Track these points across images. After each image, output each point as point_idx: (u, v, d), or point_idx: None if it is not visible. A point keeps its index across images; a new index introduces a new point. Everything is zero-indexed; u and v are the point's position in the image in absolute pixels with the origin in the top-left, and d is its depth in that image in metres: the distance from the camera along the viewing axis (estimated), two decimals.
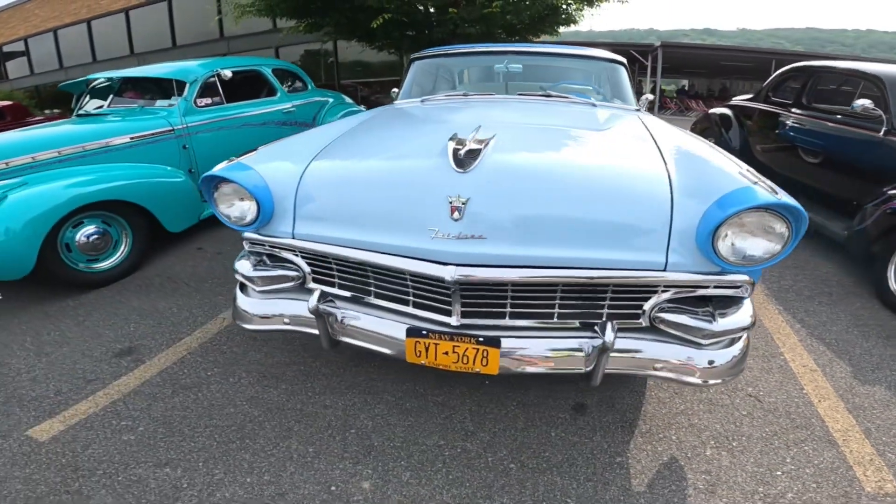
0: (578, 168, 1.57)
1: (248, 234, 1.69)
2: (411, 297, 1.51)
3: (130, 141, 3.29)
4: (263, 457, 1.66)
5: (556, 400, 1.91)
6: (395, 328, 1.49)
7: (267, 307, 1.71)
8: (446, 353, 1.43)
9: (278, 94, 4.65)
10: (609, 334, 1.35)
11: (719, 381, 1.47)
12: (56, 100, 14.00)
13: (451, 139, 1.55)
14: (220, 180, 1.63)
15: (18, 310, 2.69)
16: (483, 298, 1.44)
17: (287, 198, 1.61)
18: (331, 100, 5.60)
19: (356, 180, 1.62)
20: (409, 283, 1.49)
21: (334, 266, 1.61)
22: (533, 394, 1.95)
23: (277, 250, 1.67)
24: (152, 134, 3.41)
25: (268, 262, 1.73)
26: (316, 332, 1.60)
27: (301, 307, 1.63)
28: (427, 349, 1.45)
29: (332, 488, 1.52)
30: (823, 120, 3.68)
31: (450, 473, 1.59)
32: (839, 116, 3.52)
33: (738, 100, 5.79)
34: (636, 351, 1.44)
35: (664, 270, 1.36)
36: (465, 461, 1.64)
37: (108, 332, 2.47)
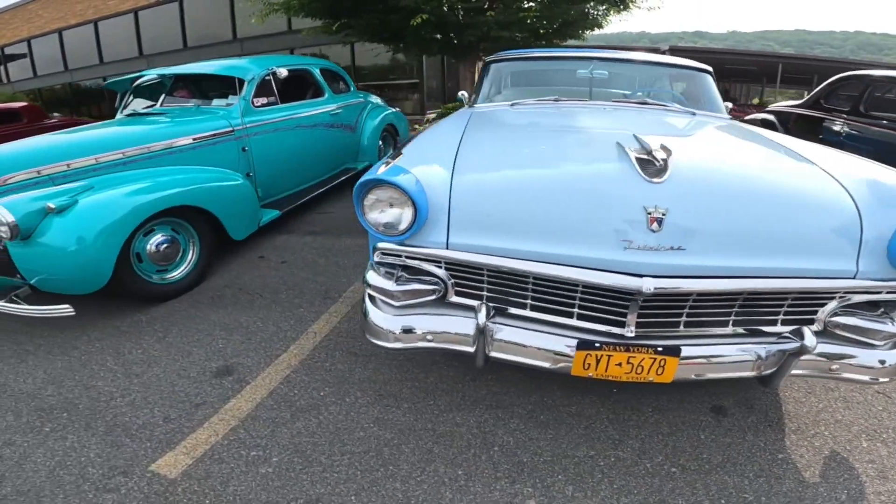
0: (759, 179, 1.57)
1: (383, 245, 1.55)
2: (576, 310, 1.45)
3: (193, 142, 3.10)
4: (414, 484, 1.52)
5: (692, 404, 1.88)
6: (558, 341, 1.43)
7: (407, 323, 1.56)
8: (619, 364, 1.40)
9: (326, 95, 4.47)
10: (810, 339, 1.35)
11: (888, 379, 1.48)
12: (60, 103, 13.68)
13: (629, 147, 1.49)
14: (376, 184, 1.48)
15: (87, 326, 2.48)
16: (660, 309, 1.41)
17: (441, 205, 1.49)
18: (370, 102, 5.45)
19: (524, 189, 1.51)
20: (579, 294, 1.42)
21: (486, 279, 1.49)
22: (665, 399, 1.89)
23: (417, 262, 1.54)
24: (213, 135, 3.21)
25: (405, 274, 1.59)
26: (461, 348, 1.52)
27: (446, 322, 1.53)
28: (598, 361, 1.41)
29: None
30: (884, 128, 3.70)
31: (613, 483, 1.53)
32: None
33: (780, 106, 5.81)
34: (820, 354, 1.43)
35: (854, 278, 1.37)
36: (623, 469, 1.59)
37: (196, 349, 2.28)
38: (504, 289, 1.50)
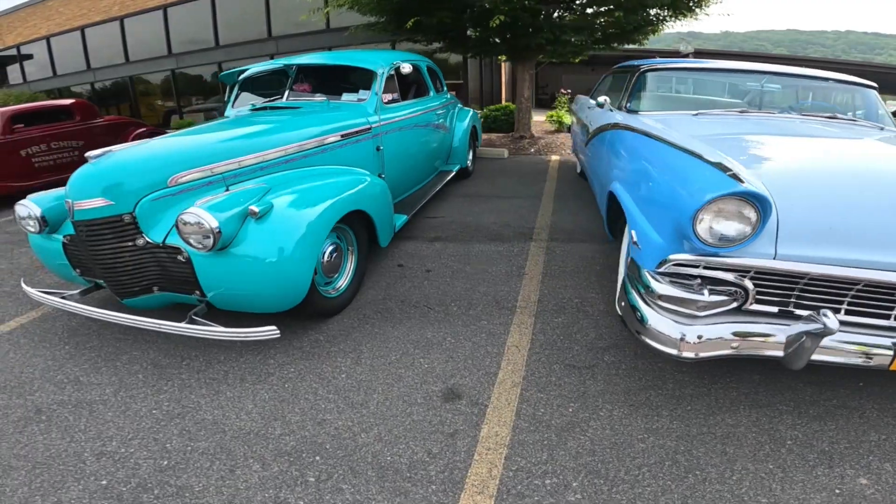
0: None
1: (677, 256, 1.54)
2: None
3: (341, 139, 2.85)
4: (734, 483, 1.45)
5: None
6: (881, 340, 1.47)
7: (705, 333, 1.51)
8: None
9: (431, 94, 4.23)
10: None
11: None
12: None
13: None
14: (727, 196, 1.41)
15: (263, 348, 2.20)
16: None
17: (768, 215, 1.44)
18: (457, 103, 5.22)
19: (857, 202, 1.53)
20: None
21: (800, 286, 1.49)
22: None
23: (717, 272, 1.51)
24: (357, 132, 2.97)
25: (709, 285, 1.54)
26: (771, 353, 1.52)
27: (758, 330, 1.51)
28: None
29: (836, 491, 1.43)
30: None
31: None
32: None
33: None
34: None
35: None
36: None
37: (403, 371, 2.02)
38: (816, 295, 1.51)
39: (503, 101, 10.95)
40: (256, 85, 3.64)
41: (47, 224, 2.22)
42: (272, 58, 11.81)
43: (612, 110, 3.19)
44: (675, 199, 1.58)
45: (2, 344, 2.35)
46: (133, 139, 7.04)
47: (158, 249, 1.99)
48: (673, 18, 7.20)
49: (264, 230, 1.94)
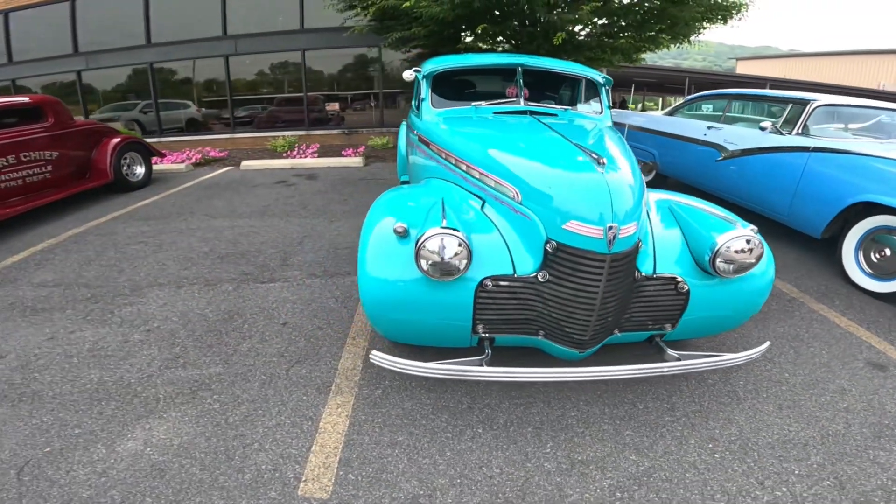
0: None
1: None
2: None
3: None
4: None
5: None
6: None
7: None
8: None
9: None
10: None
11: None
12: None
13: None
14: None
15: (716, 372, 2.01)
16: None
17: None
18: None
19: None
20: None
21: None
22: None
23: None
24: None
25: None
26: None
27: None
28: None
29: None
30: None
31: None
32: None
33: None
34: None
35: None
36: None
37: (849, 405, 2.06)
38: None
39: None
40: (443, 84, 3.13)
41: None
42: (227, 60, 10.12)
43: (781, 134, 3.64)
44: None
45: (380, 450, 1.69)
46: (113, 152, 5.50)
47: (652, 282, 1.71)
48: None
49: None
